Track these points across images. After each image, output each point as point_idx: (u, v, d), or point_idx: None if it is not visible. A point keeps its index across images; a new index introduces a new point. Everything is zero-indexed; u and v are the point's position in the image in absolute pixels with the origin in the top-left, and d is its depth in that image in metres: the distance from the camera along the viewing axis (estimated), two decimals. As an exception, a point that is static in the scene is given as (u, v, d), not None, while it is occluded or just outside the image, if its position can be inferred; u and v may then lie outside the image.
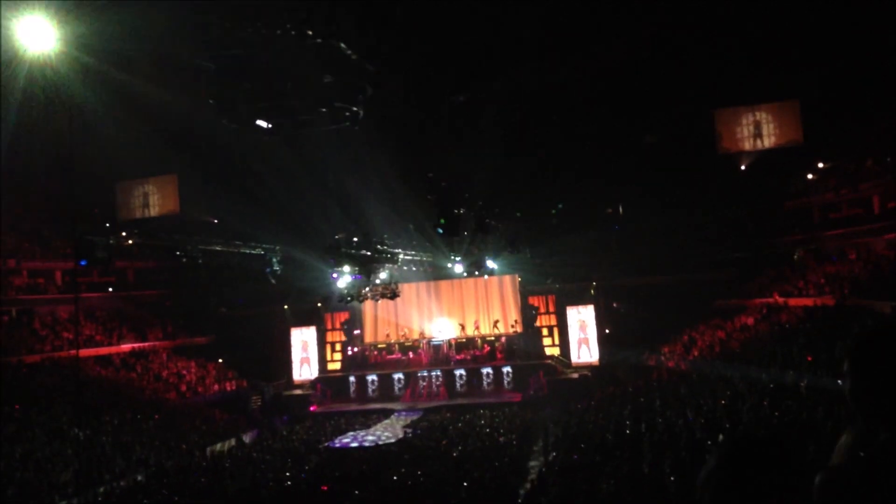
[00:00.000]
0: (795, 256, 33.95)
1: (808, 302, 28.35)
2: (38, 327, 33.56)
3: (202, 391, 34.16)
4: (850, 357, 2.07)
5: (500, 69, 24.40)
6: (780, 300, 30.37)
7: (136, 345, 36.00)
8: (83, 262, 30.09)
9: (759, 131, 30.69)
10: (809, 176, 34.42)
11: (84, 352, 32.73)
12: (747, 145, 30.93)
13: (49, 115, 26.23)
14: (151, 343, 36.89)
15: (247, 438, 27.96)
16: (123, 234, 30.61)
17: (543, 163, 31.81)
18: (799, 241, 34.42)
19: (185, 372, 35.12)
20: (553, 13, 22.90)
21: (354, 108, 19.08)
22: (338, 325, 38.44)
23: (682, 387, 24.49)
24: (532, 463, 20.74)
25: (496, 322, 36.67)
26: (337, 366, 37.53)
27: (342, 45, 15.30)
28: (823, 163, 33.80)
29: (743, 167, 32.27)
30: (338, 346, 38.19)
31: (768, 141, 30.57)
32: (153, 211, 34.31)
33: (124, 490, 19.69)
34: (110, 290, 38.78)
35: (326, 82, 18.16)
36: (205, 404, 32.32)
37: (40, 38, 18.27)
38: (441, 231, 24.88)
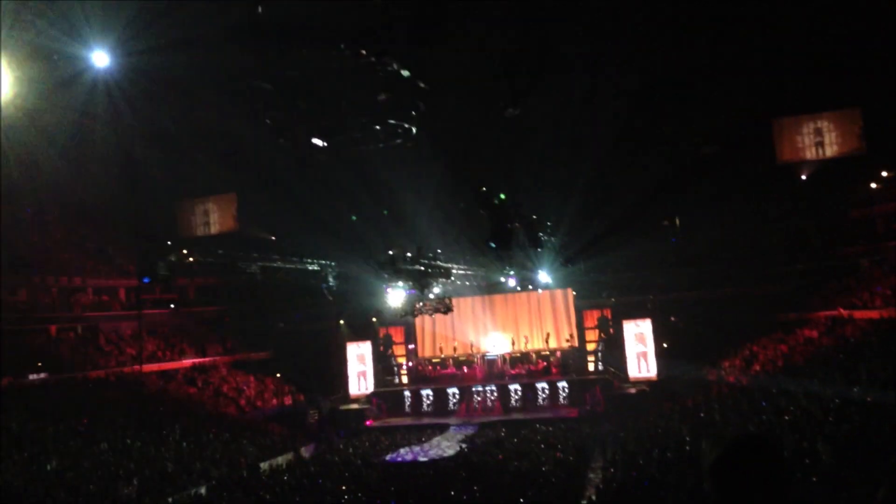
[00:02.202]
0: (861, 268, 33.03)
1: (874, 314, 27.49)
2: (103, 343, 34.48)
3: (261, 405, 34.64)
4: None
5: (558, 79, 24.38)
6: (845, 313, 29.52)
7: (196, 360, 36.72)
8: (146, 280, 30.89)
9: (820, 140, 30.03)
10: (873, 185, 33.49)
11: (147, 367, 33.51)
12: (808, 154, 30.29)
13: (112, 136, 27.10)
14: (211, 358, 37.59)
15: (304, 453, 28.20)
16: (184, 251, 31.33)
17: (599, 175, 31.60)
18: (863, 252, 33.46)
19: (244, 386, 35.67)
20: (612, 22, 22.82)
21: (408, 125, 19.29)
22: (394, 340, 38.62)
23: (743, 402, 23.95)
24: (590, 479, 20.50)
25: (547, 336, 36.44)
26: (405, 379, 37.67)
27: (395, 62, 15.49)
28: (887, 171, 32.87)
29: (804, 177, 31.59)
30: (401, 361, 38.35)
31: (830, 150, 29.89)
32: (213, 229, 35.06)
33: (186, 503, 20.03)
34: (172, 306, 39.67)
35: (380, 100, 18.38)
36: (263, 418, 32.75)
37: (100, 59, 18.92)
38: (493, 245, 24.90)
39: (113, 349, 34.30)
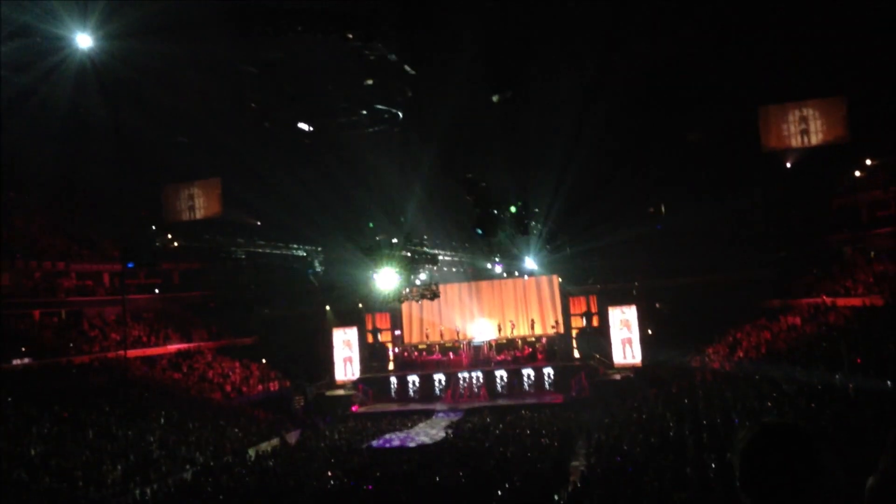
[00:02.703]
0: (844, 255, 33.27)
1: (857, 302, 27.73)
2: (87, 328, 34.27)
3: (246, 391, 34.59)
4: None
5: (544, 66, 24.32)
6: (828, 300, 29.75)
7: (181, 345, 36.58)
8: (130, 265, 30.76)
9: (805, 128, 30.15)
10: (857, 173, 33.69)
11: (131, 352, 33.36)
12: (793, 142, 30.40)
13: (96, 121, 26.86)
14: (196, 343, 37.46)
15: (290, 438, 28.22)
16: (169, 236, 31.18)
17: (585, 162, 31.63)
18: (846, 240, 33.71)
19: (229, 372, 35.59)
20: (597, 11, 22.76)
21: (395, 110, 19.25)
22: (380, 326, 38.63)
23: (727, 388, 24.14)
24: (574, 464, 20.64)
25: (533, 322, 36.57)
26: (391, 365, 37.70)
27: (383, 47, 15.42)
28: (871, 160, 33.07)
29: (789, 164, 31.73)
30: (387, 347, 38.37)
31: (815, 138, 30.02)
32: (198, 213, 34.89)
33: (171, 488, 20.01)
34: (156, 291, 39.48)
35: (368, 85, 18.32)
36: (249, 404, 32.72)
37: (85, 42, 18.73)
38: (480, 232, 24.91)
39: (97, 334, 34.10)
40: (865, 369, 19.39)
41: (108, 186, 34.04)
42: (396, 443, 25.85)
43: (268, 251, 31.20)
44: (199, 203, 35.19)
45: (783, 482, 1.96)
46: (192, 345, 37.15)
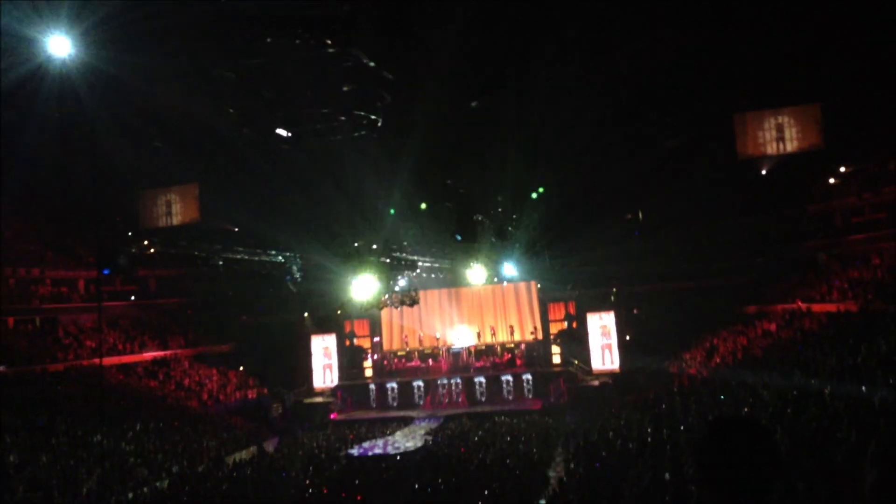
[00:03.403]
0: (819, 261, 33.65)
1: (832, 308, 28.04)
2: (62, 336, 33.89)
3: (223, 399, 34.34)
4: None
5: (521, 74, 24.39)
6: (804, 306, 30.06)
7: (158, 353, 36.27)
8: (106, 271, 30.46)
9: (780, 135, 30.41)
10: (832, 180, 34.09)
11: (107, 360, 33.02)
12: (769, 149, 30.64)
13: (71, 126, 26.58)
14: (173, 351, 37.17)
15: (268, 446, 28.03)
16: (145, 242, 30.89)
17: (563, 169, 31.74)
18: (821, 246, 34.10)
19: (206, 380, 35.33)
20: (571, 19, 22.86)
21: (373, 116, 19.20)
22: (358, 333, 38.50)
23: (705, 394, 24.29)
24: (553, 471, 20.65)
25: (512, 328, 36.63)
26: (370, 372, 37.56)
27: (361, 53, 15.39)
28: (846, 167, 33.48)
29: (764, 172, 32.00)
30: (366, 354, 38.23)
31: (790, 145, 30.28)
32: (175, 219, 34.54)
33: (147, 497, 19.80)
34: (132, 298, 39.11)
35: (346, 91, 18.26)
36: (226, 412, 32.49)
37: (61, 48, 18.55)
38: (459, 238, 24.94)
39: (72, 342, 33.72)
40: (841, 374, 19.59)
41: (83, 192, 33.67)
42: (375, 450, 25.72)
43: (245, 258, 31.01)
44: (177, 209, 34.85)
45: (738, 472, 2.01)
46: (168, 352, 36.84)
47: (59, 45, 18.65)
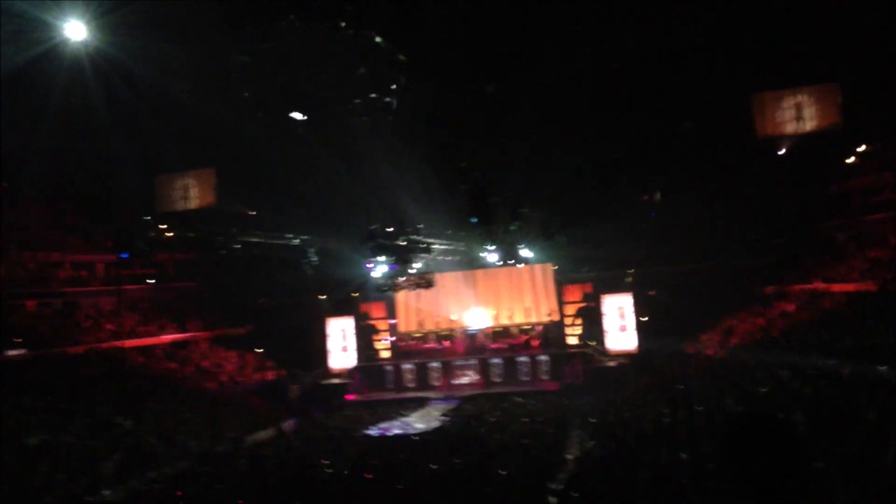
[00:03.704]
0: (837, 241, 33.38)
1: (850, 287, 27.84)
2: (82, 319, 34.22)
3: (242, 381, 34.62)
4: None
5: (535, 55, 24.28)
6: (822, 286, 29.87)
7: (176, 335, 36.58)
8: (124, 255, 30.69)
9: (799, 115, 30.11)
10: (851, 159, 33.72)
11: (127, 342, 33.34)
12: (787, 129, 30.36)
13: (89, 110, 26.75)
14: (192, 334, 37.46)
15: (286, 427, 28.28)
16: (163, 226, 31.09)
17: (579, 150, 31.61)
18: (840, 226, 33.80)
19: (224, 362, 35.61)
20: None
21: (388, 99, 19.18)
22: (375, 315, 38.63)
23: (721, 374, 24.25)
24: (569, 451, 20.72)
25: (528, 310, 36.64)
26: (386, 353, 37.72)
27: (375, 35, 15.37)
28: (865, 146, 33.10)
29: (783, 152, 31.73)
30: (382, 336, 38.35)
31: (809, 124, 29.99)
32: (192, 204, 34.71)
33: (168, 478, 20.06)
34: (151, 281, 39.41)
35: (360, 74, 18.25)
36: (244, 394, 32.76)
37: (77, 32, 18.64)
38: (474, 220, 24.93)
39: (92, 324, 34.05)
40: (859, 354, 19.48)
41: (101, 177, 33.92)
42: (392, 431, 25.91)
43: (262, 241, 31.17)
44: (194, 193, 35.01)
45: (761, 467, 2.00)
46: (187, 335, 37.15)
47: (75, 30, 18.74)
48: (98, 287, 36.56)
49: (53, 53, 20.19)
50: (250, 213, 34.97)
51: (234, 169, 32.96)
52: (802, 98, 30.13)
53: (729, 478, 2.06)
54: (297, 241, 30.32)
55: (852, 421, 13.29)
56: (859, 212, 32.97)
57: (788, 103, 30.18)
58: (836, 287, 28.98)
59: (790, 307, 30.11)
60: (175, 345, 35.86)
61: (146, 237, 27.48)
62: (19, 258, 33.41)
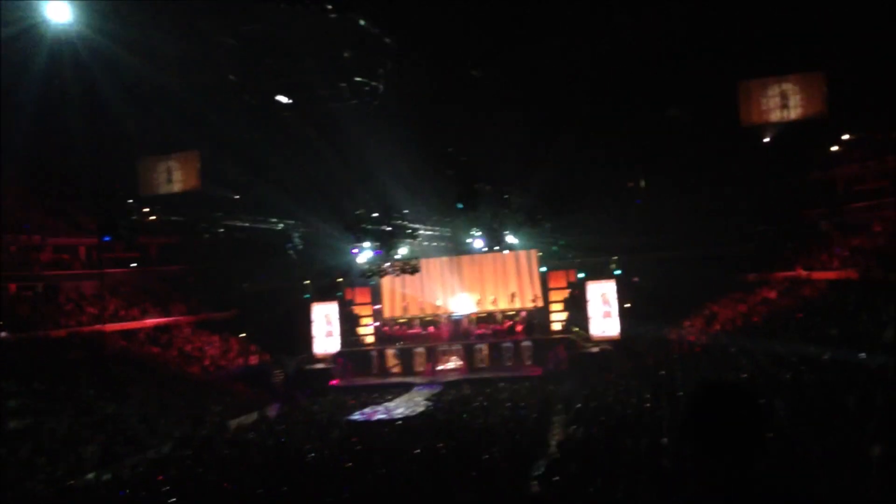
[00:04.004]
0: (820, 229, 33.64)
1: (832, 275, 28.09)
2: (63, 302, 34.00)
3: (225, 365, 34.56)
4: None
5: (522, 42, 24.21)
6: (804, 273, 30.11)
7: (159, 320, 36.42)
8: (106, 238, 30.46)
9: (784, 103, 30.23)
10: (835, 148, 33.94)
11: (109, 326, 33.17)
12: (772, 117, 30.49)
13: (71, 91, 26.45)
14: (175, 318, 37.31)
15: (270, 412, 28.28)
16: (146, 209, 30.87)
17: (565, 137, 31.61)
18: (823, 214, 34.05)
19: (208, 346, 35.51)
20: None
21: (375, 83, 19.08)
22: (359, 301, 38.58)
23: (703, 360, 24.44)
24: (552, 436, 20.84)
25: (512, 296, 36.70)
26: (371, 339, 37.69)
27: (361, 18, 15.26)
28: (849, 134, 33.31)
29: (767, 139, 31.86)
30: (367, 321, 38.32)
31: (794, 113, 30.12)
32: (176, 187, 34.47)
33: (150, 462, 20.01)
34: (134, 265, 39.18)
35: (346, 57, 18.14)
36: (228, 378, 32.70)
37: (60, 14, 18.39)
38: (460, 206, 24.89)
39: (74, 308, 33.85)
40: (840, 341, 19.68)
41: (83, 158, 33.60)
42: (376, 416, 25.95)
43: (246, 225, 31.01)
44: (177, 176, 34.76)
45: (723, 431, 2.08)
46: (170, 319, 37.00)
47: (58, 11, 18.49)
48: (80, 270, 36.34)
49: (35, 32, 19.92)
50: (234, 196, 34.78)
51: (219, 152, 32.74)
52: (787, 86, 30.23)
53: (691, 439, 2.15)
54: (281, 226, 30.18)
55: (832, 407, 13.43)
56: (843, 200, 33.23)
57: (773, 91, 30.27)
58: (818, 275, 29.24)
59: (772, 294, 30.36)
60: (158, 329, 35.72)
61: (129, 220, 27.22)
62: (0, 241, 33.10)
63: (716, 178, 33.22)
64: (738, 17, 26.97)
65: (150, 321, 35.90)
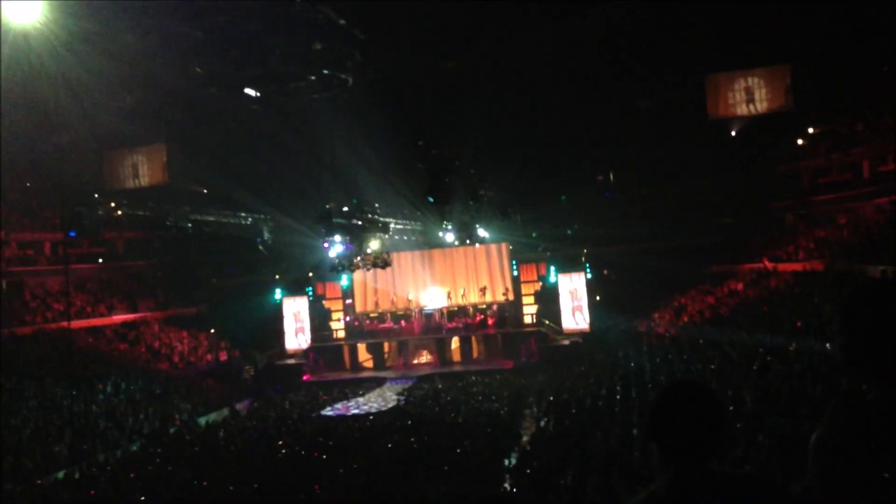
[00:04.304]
0: (786, 221, 34.10)
1: (798, 267, 28.49)
2: (29, 299, 33.43)
3: (195, 361, 34.21)
4: (843, 314, 2.16)
5: (490, 34, 24.18)
6: (770, 265, 30.51)
7: (127, 316, 35.95)
8: (72, 234, 29.98)
9: (750, 96, 30.57)
10: (800, 141, 34.38)
11: (75, 323, 32.64)
12: (739, 111, 30.81)
13: (36, 84, 25.94)
14: (143, 314, 36.85)
15: (240, 408, 28.07)
16: (112, 204, 30.42)
17: (534, 130, 31.68)
18: (789, 207, 34.50)
19: (177, 342, 35.14)
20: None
21: (344, 75, 18.96)
22: (331, 296, 38.41)
23: (672, 352, 24.67)
24: (524, 429, 20.93)
25: (483, 289, 36.76)
26: (342, 333, 37.54)
27: (331, 10, 15.14)
28: (814, 127, 33.75)
29: (734, 133, 32.18)
30: (338, 316, 38.16)
31: (760, 106, 30.47)
32: (142, 181, 34.01)
33: (119, 460, 19.78)
34: (100, 261, 38.60)
35: (316, 49, 17.99)
36: (197, 374, 32.39)
37: (24, 5, 18.01)
38: (432, 199, 24.87)
39: (39, 305, 33.29)
40: (806, 332, 19.98)
41: (47, 152, 33.02)
42: (348, 411, 25.89)
43: (215, 220, 30.69)
44: (144, 170, 34.29)
45: (686, 429, 2.14)
46: (138, 315, 36.53)
47: (19, 9, 18.10)
48: (46, 266, 35.70)
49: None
50: (202, 190, 34.41)
51: (187, 145, 32.34)
52: (754, 80, 30.57)
53: (655, 437, 2.22)
54: (250, 220, 29.93)
55: (798, 396, 13.64)
56: (808, 192, 33.68)
57: (740, 85, 30.60)
58: (784, 266, 29.64)
59: (739, 286, 30.72)
60: (126, 325, 35.25)
61: (95, 215, 26.83)
62: (-37, 237, 32.48)
63: (684, 172, 33.48)
64: (705, 11, 27.17)
65: (118, 317, 35.42)
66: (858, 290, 2.16)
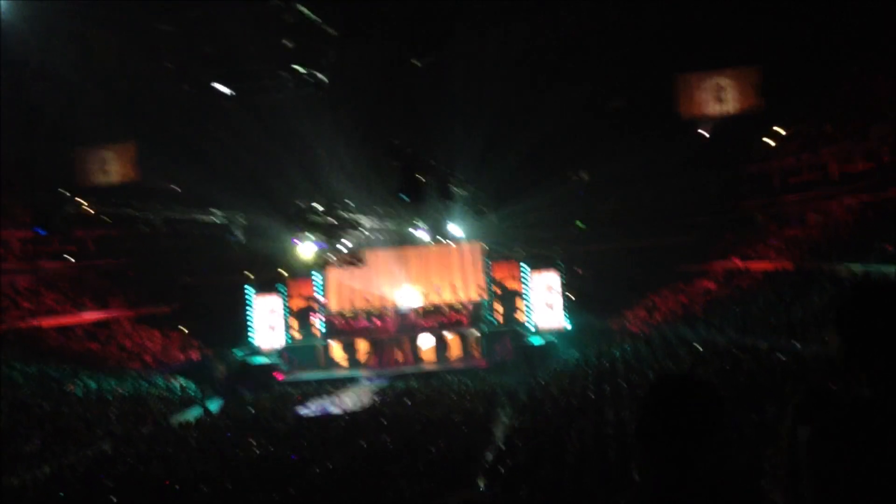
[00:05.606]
0: (756, 221, 34.50)
1: (768, 266, 28.83)
2: (-3, 298, 32.92)
3: (167, 361, 33.88)
4: (838, 315, 2.13)
5: (463, 33, 24.20)
6: (741, 264, 30.84)
7: (98, 314, 35.52)
8: (41, 231, 29.53)
9: (721, 97, 30.90)
10: (770, 141, 34.78)
11: (45, 322, 32.22)
12: (710, 111, 31.15)
13: (2, 77, 25.56)
14: (114, 313, 36.42)
15: (213, 408, 27.84)
16: (81, 202, 30.01)
17: (507, 128, 31.79)
18: (759, 206, 34.89)
19: (148, 341, 34.78)
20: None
21: (316, 73, 18.83)
22: (303, 294, 38.16)
23: (645, 351, 24.86)
24: (498, 428, 20.97)
25: (457, 287, 36.74)
26: (316, 332, 37.29)
27: (304, 8, 15.04)
28: (784, 128, 34.16)
29: (706, 132, 32.52)
30: (311, 315, 37.88)
31: (731, 106, 30.83)
32: (113, 178, 33.65)
33: (91, 460, 19.53)
34: (70, 259, 38.09)
35: (288, 47, 17.85)
36: (169, 373, 32.08)
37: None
38: (405, 197, 24.80)
39: (8, 304, 32.76)
40: (776, 330, 20.23)
41: (14, 148, 32.50)
42: (322, 410, 25.77)
43: (186, 217, 30.37)
44: (114, 167, 33.93)
45: (676, 428, 2.05)
46: (109, 314, 36.10)
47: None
48: (14, 264, 35.13)
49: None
50: (173, 187, 34.08)
51: (157, 142, 32.03)
52: (724, 80, 30.91)
53: (644, 437, 2.12)
54: (222, 217, 29.66)
55: (768, 393, 13.79)
56: (778, 192, 34.09)
57: (710, 85, 30.91)
58: (754, 265, 29.98)
59: (711, 285, 31.04)
60: (96, 324, 34.82)
61: (64, 212, 26.43)
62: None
63: (656, 171, 33.76)
64: (676, 11, 27.42)
65: (89, 316, 34.97)
66: (854, 291, 2.14)
